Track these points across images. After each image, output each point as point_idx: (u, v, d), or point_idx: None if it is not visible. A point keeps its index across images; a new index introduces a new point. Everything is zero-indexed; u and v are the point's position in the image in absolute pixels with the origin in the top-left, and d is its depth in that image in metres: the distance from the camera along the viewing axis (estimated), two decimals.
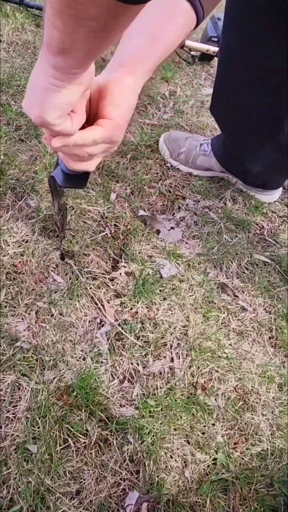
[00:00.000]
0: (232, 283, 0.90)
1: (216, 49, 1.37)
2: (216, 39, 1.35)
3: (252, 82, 0.76)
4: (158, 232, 0.95)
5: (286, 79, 0.71)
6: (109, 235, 0.91)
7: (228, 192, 1.07)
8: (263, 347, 0.82)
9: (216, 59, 1.45)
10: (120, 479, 0.63)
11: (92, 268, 0.84)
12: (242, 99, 0.81)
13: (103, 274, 0.84)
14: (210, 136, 1.19)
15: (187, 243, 0.95)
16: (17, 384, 0.68)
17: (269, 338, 0.84)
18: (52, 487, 0.59)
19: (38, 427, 0.64)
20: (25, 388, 0.67)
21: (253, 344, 0.82)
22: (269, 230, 1.04)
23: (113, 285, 0.83)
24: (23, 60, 1.25)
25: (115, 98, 0.39)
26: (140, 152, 1.09)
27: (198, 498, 0.63)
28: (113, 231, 0.92)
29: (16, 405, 0.66)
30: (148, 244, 0.91)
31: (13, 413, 0.65)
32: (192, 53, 1.42)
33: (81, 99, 0.36)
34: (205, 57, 1.43)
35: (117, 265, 0.87)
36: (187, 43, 1.37)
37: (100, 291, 0.81)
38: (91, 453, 0.64)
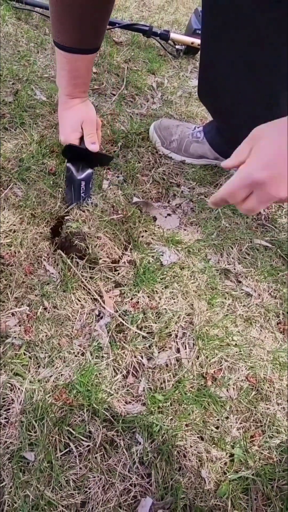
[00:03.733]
0: (235, 268, 0.84)
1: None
2: (200, 32, 1.32)
3: (239, 61, 0.71)
4: (154, 219, 0.88)
5: (276, 54, 0.66)
6: (115, 219, 0.83)
7: (222, 179, 1.02)
8: (272, 332, 0.76)
9: None
10: (130, 485, 0.54)
11: (96, 255, 0.77)
12: (231, 79, 0.76)
13: (103, 262, 0.76)
14: (201, 125, 1.14)
15: (185, 229, 0.89)
16: (9, 385, 0.59)
17: (277, 323, 0.78)
18: (54, 500, 0.50)
19: (35, 432, 0.55)
20: (18, 388, 0.58)
21: (261, 330, 0.76)
22: (266, 215, 0.99)
23: (112, 275, 0.76)
24: (5, 51, 1.18)
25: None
26: (131, 140, 1.03)
27: (217, 501, 0.56)
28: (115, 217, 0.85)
29: (9, 409, 0.57)
30: (146, 231, 0.85)
31: (5, 418, 0.56)
32: (177, 46, 1.39)
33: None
34: (190, 51, 1.40)
35: (125, 252, 0.79)
36: (172, 36, 1.34)
37: (98, 282, 0.74)
38: (96, 457, 0.55)
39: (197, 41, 1.34)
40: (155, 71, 1.31)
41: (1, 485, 0.51)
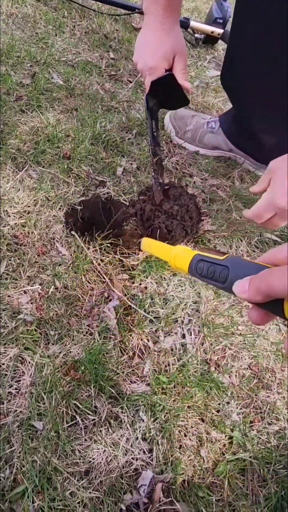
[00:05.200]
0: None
1: (221, 31, 1.35)
2: (221, 21, 1.33)
3: (270, 45, 0.73)
4: None
5: None
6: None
7: (235, 172, 1.04)
8: (276, 325, 0.79)
9: (220, 42, 1.43)
10: (132, 458, 0.58)
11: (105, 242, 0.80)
12: (254, 62, 0.78)
13: (114, 247, 0.79)
14: (216, 116, 1.16)
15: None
16: (20, 358, 0.62)
17: None
18: (60, 466, 0.54)
19: (44, 403, 0.59)
20: (29, 362, 0.62)
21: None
22: None
23: (121, 259, 0.79)
24: (23, 33, 1.20)
25: None
26: (146, 128, 1.05)
27: (215, 479, 0.60)
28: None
29: (19, 380, 0.60)
30: None
31: (16, 388, 0.60)
32: (196, 35, 1.40)
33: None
34: (209, 40, 1.40)
35: (138, 238, 0.82)
36: (192, 24, 1.34)
37: (108, 265, 0.77)
38: (100, 431, 0.59)
39: (217, 30, 1.35)
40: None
41: (11, 449, 0.54)
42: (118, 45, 1.29)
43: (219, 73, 1.35)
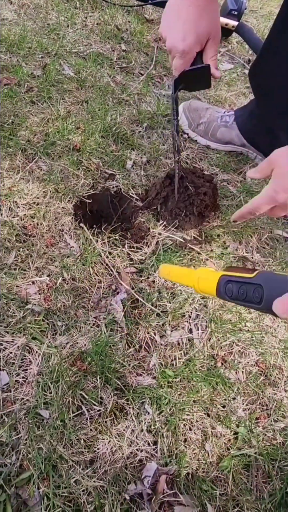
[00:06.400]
0: (252, 257, 0.88)
1: (235, 23, 1.35)
2: (236, 13, 1.33)
3: None
4: None
5: None
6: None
7: (247, 167, 1.05)
8: (285, 322, 0.80)
9: (234, 35, 1.43)
10: (137, 449, 0.60)
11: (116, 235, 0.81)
12: None
13: (123, 241, 0.81)
14: (230, 110, 1.16)
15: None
16: (28, 348, 0.64)
17: None
18: (65, 455, 0.56)
19: (50, 392, 0.61)
20: (36, 352, 0.64)
21: (274, 319, 0.80)
22: None
23: (130, 252, 0.80)
24: (34, 23, 1.22)
25: None
26: (157, 121, 1.06)
27: (219, 473, 0.61)
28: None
29: (26, 369, 0.62)
30: None
31: (23, 377, 0.62)
32: None
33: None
34: (223, 33, 1.40)
35: (148, 231, 0.84)
36: None
37: (116, 258, 0.79)
38: (106, 421, 0.61)
39: (232, 23, 1.35)
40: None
41: (17, 436, 0.56)
42: (130, 37, 1.30)
43: (232, 66, 1.36)
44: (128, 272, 0.77)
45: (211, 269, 0.45)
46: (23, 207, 0.81)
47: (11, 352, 0.63)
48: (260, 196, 0.60)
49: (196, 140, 1.06)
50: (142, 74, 1.20)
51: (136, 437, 0.61)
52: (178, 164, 0.81)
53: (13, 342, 0.64)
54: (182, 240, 0.84)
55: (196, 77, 0.67)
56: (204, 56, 0.64)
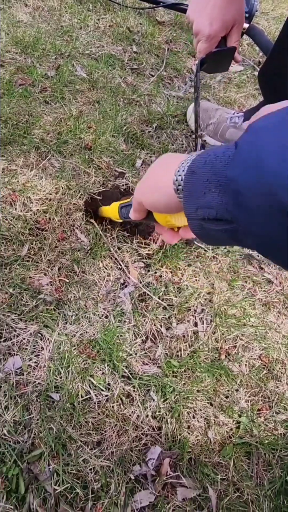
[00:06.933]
0: (258, 255, 0.91)
1: (246, 25, 1.38)
2: (247, 15, 1.36)
3: None
4: None
5: None
6: None
7: None
8: None
9: (245, 37, 1.46)
10: (142, 434, 0.63)
11: (122, 231, 0.85)
12: None
13: (131, 236, 0.85)
14: (239, 111, 1.20)
15: None
16: (40, 335, 0.69)
17: None
18: (74, 435, 0.60)
19: (61, 377, 0.65)
20: (48, 339, 0.68)
21: (279, 315, 0.83)
22: None
23: (138, 248, 0.84)
24: (48, 26, 1.27)
25: None
26: (166, 122, 1.10)
27: (221, 460, 0.64)
28: None
29: (38, 355, 0.67)
30: None
31: (35, 362, 0.66)
32: None
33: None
34: None
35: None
36: None
37: (125, 253, 0.82)
38: (113, 406, 0.64)
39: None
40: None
41: (30, 416, 0.60)
42: (141, 39, 1.34)
43: (242, 68, 1.39)
44: (136, 267, 0.81)
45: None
46: (36, 203, 0.85)
47: (24, 338, 0.67)
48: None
49: (205, 140, 1.10)
50: (152, 76, 1.24)
51: (142, 422, 0.64)
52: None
53: (26, 329, 0.68)
54: None
55: (220, 59, 0.71)
56: (229, 40, 0.67)
